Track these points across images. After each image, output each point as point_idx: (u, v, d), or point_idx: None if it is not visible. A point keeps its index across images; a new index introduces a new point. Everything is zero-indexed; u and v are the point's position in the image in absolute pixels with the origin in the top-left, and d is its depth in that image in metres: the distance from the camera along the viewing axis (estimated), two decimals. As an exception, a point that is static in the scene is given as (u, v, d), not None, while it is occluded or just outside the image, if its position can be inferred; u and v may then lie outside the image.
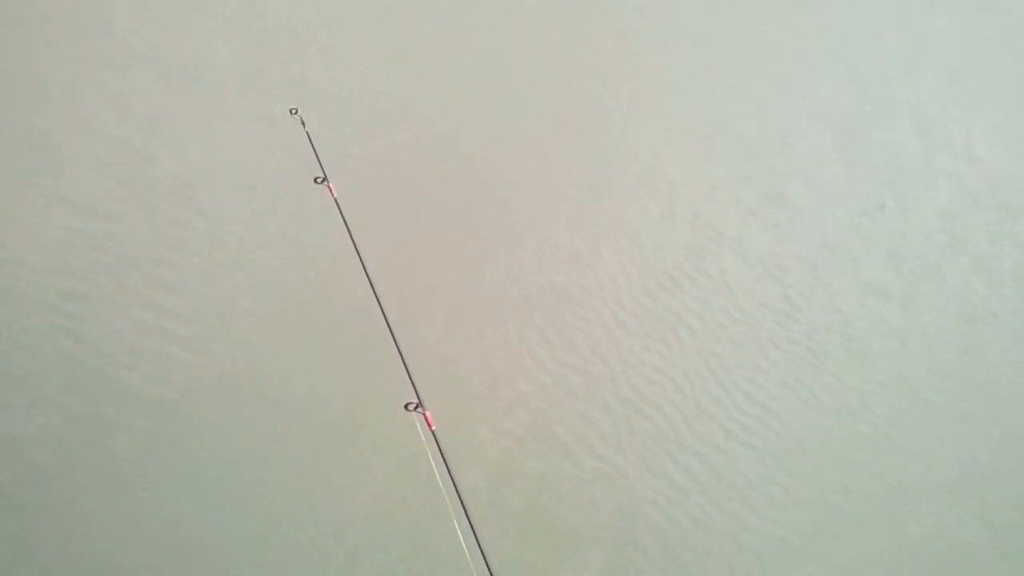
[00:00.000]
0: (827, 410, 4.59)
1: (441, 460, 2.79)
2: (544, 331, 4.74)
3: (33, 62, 5.79)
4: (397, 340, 3.07)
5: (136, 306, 4.41)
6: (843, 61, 7.33)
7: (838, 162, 6.31)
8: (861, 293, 5.30)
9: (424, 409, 2.88)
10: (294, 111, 4.36)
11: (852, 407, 4.62)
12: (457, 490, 2.71)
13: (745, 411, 4.52)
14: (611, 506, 4.02)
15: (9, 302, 4.30)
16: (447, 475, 2.76)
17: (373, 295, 3.25)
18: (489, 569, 2.58)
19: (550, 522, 3.92)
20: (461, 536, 2.69)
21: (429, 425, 2.86)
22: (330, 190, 3.82)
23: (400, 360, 3.02)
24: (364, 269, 3.38)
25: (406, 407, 2.88)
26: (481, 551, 2.61)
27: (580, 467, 4.16)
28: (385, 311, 3.17)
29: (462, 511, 2.67)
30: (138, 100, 5.67)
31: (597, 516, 3.96)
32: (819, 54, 7.48)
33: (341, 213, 3.71)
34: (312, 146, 4.16)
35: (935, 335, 5.10)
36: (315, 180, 3.87)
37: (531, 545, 3.82)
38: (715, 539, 3.98)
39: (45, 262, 4.53)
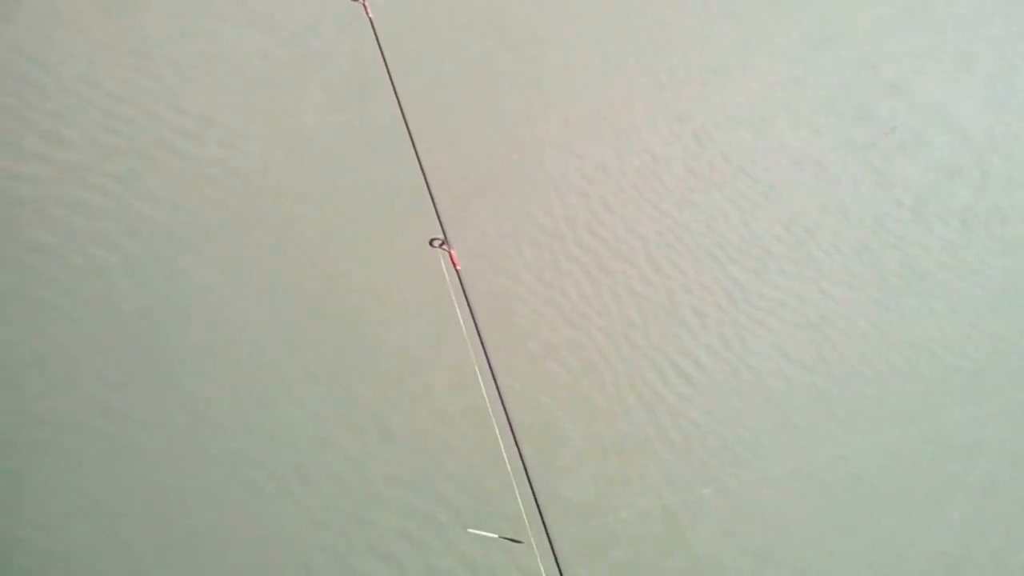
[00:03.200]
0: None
1: (464, 299, 2.65)
2: (602, 206, 4.52)
3: None
4: (425, 171, 2.86)
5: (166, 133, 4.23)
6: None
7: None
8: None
9: (449, 247, 2.72)
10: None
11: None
12: (478, 329, 2.59)
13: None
14: (629, 371, 3.91)
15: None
16: (469, 314, 2.64)
17: (403, 120, 3.02)
18: (505, 407, 2.49)
19: (567, 365, 3.84)
20: (480, 376, 2.60)
21: (454, 264, 2.70)
22: (365, 8, 3.52)
23: (428, 193, 2.83)
24: (396, 95, 3.14)
25: (431, 243, 2.72)
26: (498, 389, 2.51)
27: (608, 320, 4.03)
28: (414, 138, 2.95)
29: (483, 353, 2.56)
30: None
31: (615, 378, 3.87)
32: None
33: (375, 33, 3.42)
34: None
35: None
36: (350, -3, 3.57)
37: (549, 385, 3.76)
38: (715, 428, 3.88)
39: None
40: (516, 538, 3.16)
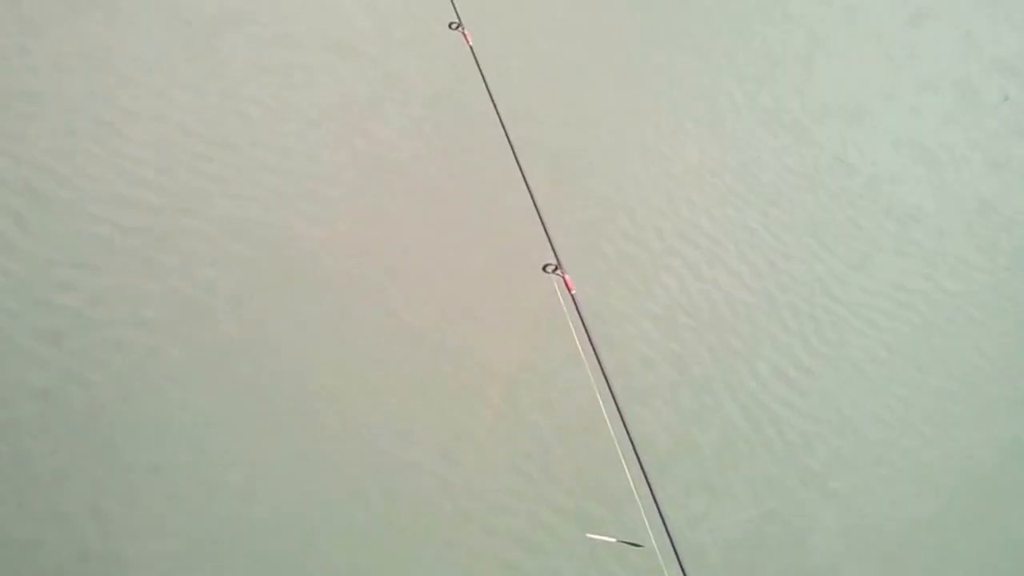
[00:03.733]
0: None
1: (580, 322, 2.75)
2: (694, 207, 4.51)
3: None
4: (536, 200, 2.98)
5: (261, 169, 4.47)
6: None
7: None
8: None
9: (563, 272, 2.82)
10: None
11: None
12: (596, 352, 2.69)
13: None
14: (734, 377, 3.92)
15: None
16: (585, 337, 2.73)
17: (511, 150, 3.14)
18: (626, 426, 2.59)
19: (687, 378, 3.88)
20: (600, 398, 2.70)
21: (569, 288, 2.80)
22: (465, 37, 3.64)
23: (539, 221, 2.94)
24: (500, 120, 3.25)
25: (544, 269, 2.83)
26: (618, 408, 2.61)
27: (711, 328, 4.05)
28: (523, 168, 3.07)
29: (601, 374, 2.66)
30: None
31: (719, 384, 3.89)
32: None
33: (477, 63, 3.54)
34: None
35: None
36: (450, 26, 3.70)
37: (657, 396, 3.82)
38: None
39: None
40: (636, 542, 3.25)
